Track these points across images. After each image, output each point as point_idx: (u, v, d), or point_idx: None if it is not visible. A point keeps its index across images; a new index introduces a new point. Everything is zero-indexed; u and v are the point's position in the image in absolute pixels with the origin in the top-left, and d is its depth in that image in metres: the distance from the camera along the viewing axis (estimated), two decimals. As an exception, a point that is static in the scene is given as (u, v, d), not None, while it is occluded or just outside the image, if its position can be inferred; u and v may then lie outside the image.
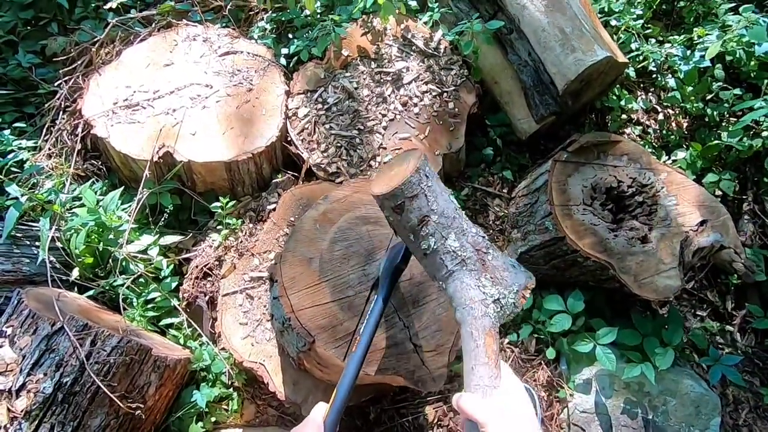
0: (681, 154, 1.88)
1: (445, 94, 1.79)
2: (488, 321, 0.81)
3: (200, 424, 1.48)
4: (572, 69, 1.53)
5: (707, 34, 1.84)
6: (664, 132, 1.98)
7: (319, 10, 2.03)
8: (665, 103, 2.00)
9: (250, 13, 2.16)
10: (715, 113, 1.91)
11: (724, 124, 1.93)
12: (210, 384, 1.54)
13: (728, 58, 1.80)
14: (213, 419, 1.51)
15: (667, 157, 1.91)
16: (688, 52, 1.82)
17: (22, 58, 1.99)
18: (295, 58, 1.96)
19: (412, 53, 1.87)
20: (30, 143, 1.82)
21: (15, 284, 1.49)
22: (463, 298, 0.83)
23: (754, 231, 1.79)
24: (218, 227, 1.70)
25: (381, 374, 0.96)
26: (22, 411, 1.16)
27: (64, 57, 1.98)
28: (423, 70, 1.83)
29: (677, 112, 2.02)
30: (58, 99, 1.89)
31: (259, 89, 1.83)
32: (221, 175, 1.70)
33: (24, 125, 1.92)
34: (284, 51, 2.01)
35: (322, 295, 0.99)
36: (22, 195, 1.57)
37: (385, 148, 1.72)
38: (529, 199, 1.69)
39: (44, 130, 1.87)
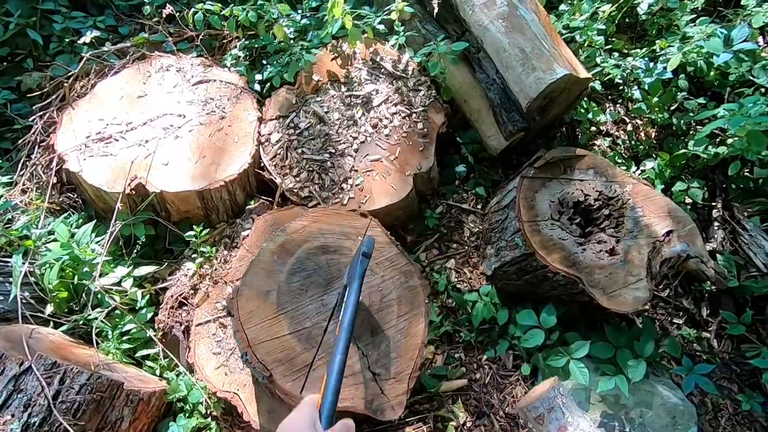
0: (650, 164, 1.91)
1: (414, 114, 1.82)
2: None
3: (178, 456, 1.47)
4: (533, 88, 1.56)
5: (669, 46, 1.88)
6: (633, 142, 2.02)
7: (291, 36, 2.07)
8: (633, 114, 2.04)
9: (223, 41, 2.19)
10: (681, 122, 1.95)
11: (690, 132, 1.96)
12: (187, 414, 1.53)
13: (690, 68, 1.84)
14: (191, 450, 1.50)
15: (636, 168, 1.94)
16: (651, 64, 1.86)
17: (-2, 94, 2.01)
18: (268, 83, 1.99)
19: (381, 76, 1.90)
20: (5, 179, 1.84)
21: (-12, 322, 1.49)
22: None
23: (724, 237, 1.82)
24: (193, 255, 1.71)
25: (339, 405, 0.97)
26: (-11, 454, 1.15)
27: (39, 92, 2.01)
28: (392, 92, 1.86)
29: (645, 122, 2.06)
30: (33, 134, 1.91)
31: (231, 117, 1.86)
32: (194, 203, 1.72)
33: (0, 161, 1.93)
34: (258, 77, 2.04)
35: (279, 327, 1.00)
36: (-5, 232, 1.58)
37: (356, 170, 1.74)
38: (500, 215, 1.71)
39: (20, 165, 1.88)
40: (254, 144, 1.79)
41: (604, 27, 1.97)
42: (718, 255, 1.80)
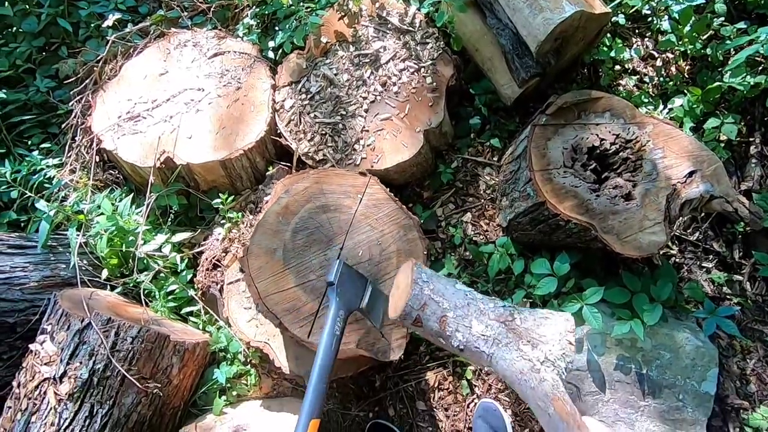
0: (678, 102, 1.78)
1: (422, 69, 1.80)
2: (547, 385, 0.78)
3: (224, 397, 1.67)
4: (541, 29, 1.49)
5: (703, -33, 1.70)
6: (662, 79, 1.88)
7: (300, -2, 2.07)
8: (661, 49, 1.89)
9: (236, 11, 2.23)
10: (717, 53, 1.79)
11: (728, 63, 1.80)
12: (229, 362, 1.72)
13: (727, -10, 1.67)
14: (234, 393, 1.69)
15: (663, 107, 1.82)
16: (682, -11, 1.70)
17: (40, 83, 2.19)
18: (281, 50, 2.02)
19: (388, 31, 1.87)
20: (55, 161, 2.03)
21: (55, 287, 1.71)
22: (513, 375, 0.82)
23: (762, 174, 1.70)
24: (222, 221, 1.85)
25: (344, 345, 1.06)
26: (66, 394, 1.37)
27: (75, 77, 2.16)
28: (399, 48, 1.84)
29: (676, 56, 1.90)
30: (74, 118, 2.08)
31: (247, 87, 1.92)
32: (219, 172, 1.83)
33: (49, 145, 2.13)
34: (270, 44, 2.08)
35: (286, 281, 1.09)
36: (50, 209, 1.78)
37: (367, 131, 1.77)
38: (513, 166, 1.69)
39: (66, 148, 2.07)
40: (269, 111, 1.85)
41: (629, -47, 1.80)
42: (753, 194, 1.69)
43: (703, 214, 1.79)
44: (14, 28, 2.24)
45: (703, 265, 1.77)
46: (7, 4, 2.15)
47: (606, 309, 1.58)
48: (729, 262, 1.74)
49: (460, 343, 0.88)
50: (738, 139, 1.75)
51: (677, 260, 1.78)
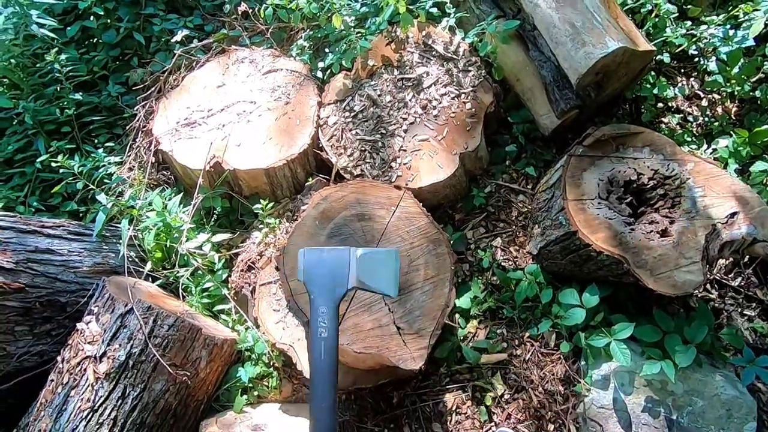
0: (723, 142, 1.75)
1: (462, 95, 1.86)
2: None
3: (245, 396, 1.71)
4: (583, 63, 1.52)
5: (755, 10, 1.70)
6: (707, 119, 1.86)
7: (352, 24, 2.20)
8: (708, 89, 1.87)
9: (291, 33, 2.39)
10: (767, 95, 1.76)
11: (779, 106, 1.76)
12: (253, 363, 1.77)
13: (779, 34, 1.65)
14: (256, 393, 1.74)
15: (707, 146, 1.79)
16: (731, 31, 1.70)
17: (112, 88, 2.41)
18: (329, 70, 2.15)
19: (432, 58, 1.96)
20: (117, 159, 2.21)
21: (104, 274, 1.84)
22: None
23: (813, 223, 1.62)
24: (260, 226, 1.94)
25: (365, 351, 1.09)
26: (103, 373, 1.46)
27: (142, 85, 2.37)
28: (442, 74, 1.91)
29: (723, 96, 1.88)
30: (137, 121, 2.27)
31: (295, 102, 2.04)
32: (262, 180, 1.94)
33: (113, 144, 2.33)
34: (320, 65, 2.21)
35: (317, 282, 1.14)
36: (108, 202, 1.93)
37: (405, 150, 1.84)
38: (547, 195, 1.70)
39: (127, 148, 2.25)
40: (314, 126, 1.95)
41: (678, -6, 1.82)
42: (802, 242, 1.61)
43: (746, 259, 1.72)
44: (95, 39, 2.49)
45: (744, 312, 1.69)
46: (92, 18, 2.40)
47: (636, 348, 1.54)
48: (773, 312, 1.66)
49: None
50: (787, 184, 1.69)
51: (716, 305, 1.71)
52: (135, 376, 1.48)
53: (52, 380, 1.52)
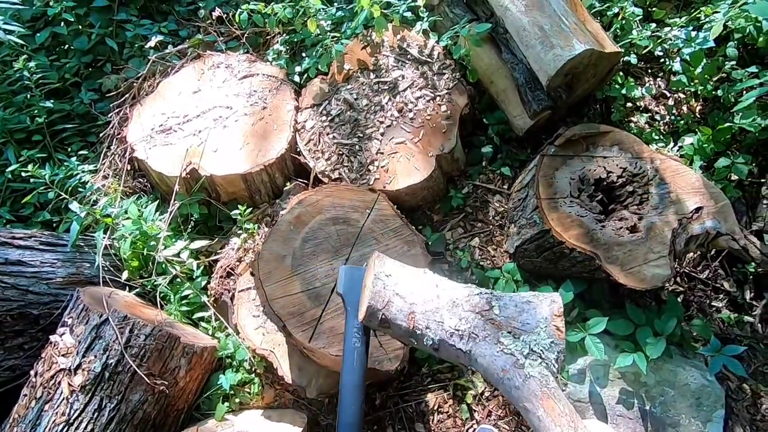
0: (689, 140, 1.81)
1: (437, 98, 1.89)
2: (534, 383, 0.67)
3: (227, 404, 1.70)
4: (552, 65, 1.56)
5: (714, 12, 1.77)
6: (674, 118, 1.92)
7: (328, 28, 2.21)
8: (673, 88, 1.93)
9: (267, 37, 2.38)
10: (729, 94, 1.82)
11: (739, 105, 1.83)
12: (234, 370, 1.76)
13: (738, 35, 1.72)
14: (237, 400, 1.73)
15: (674, 144, 1.85)
16: (693, 33, 1.76)
17: (84, 95, 2.37)
18: (306, 74, 2.15)
19: (407, 61, 1.98)
20: (90, 167, 2.17)
21: (78, 284, 1.80)
22: (495, 373, 0.71)
23: (774, 216, 1.69)
24: (239, 232, 1.93)
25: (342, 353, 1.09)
26: (78, 386, 1.44)
27: (116, 92, 2.33)
28: (417, 77, 1.93)
29: (688, 96, 1.95)
30: (111, 128, 2.23)
31: (272, 107, 2.04)
32: (239, 185, 1.93)
33: (87, 152, 2.28)
34: (297, 69, 2.21)
35: (292, 286, 1.15)
36: (82, 211, 1.89)
37: (382, 153, 1.85)
38: (522, 194, 1.74)
39: (101, 156, 2.22)
40: (291, 131, 1.96)
41: (642, -3, 1.88)
42: (765, 234, 1.68)
43: (713, 252, 1.78)
44: (66, 46, 2.44)
45: (712, 304, 1.75)
46: (62, 24, 2.36)
47: (610, 341, 1.58)
48: (740, 303, 1.72)
49: (433, 342, 0.76)
50: (749, 179, 1.76)
51: (686, 297, 1.77)
52: (111, 388, 1.46)
53: (25, 395, 1.49)
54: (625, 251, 1.47)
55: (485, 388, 1.70)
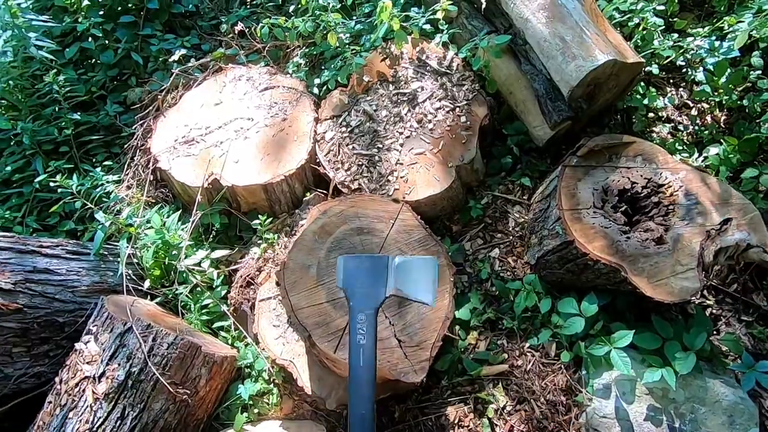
0: (714, 150, 1.78)
1: (457, 109, 1.89)
2: None
3: (245, 414, 1.70)
4: (574, 75, 1.56)
5: (739, 22, 1.75)
6: (697, 128, 1.89)
7: (347, 41, 2.24)
8: (696, 98, 1.91)
9: (287, 50, 2.43)
10: (755, 104, 1.79)
11: (766, 115, 1.80)
12: (253, 380, 1.76)
13: (763, 44, 1.70)
14: (256, 411, 1.72)
15: (698, 155, 1.82)
16: (717, 42, 1.74)
17: (110, 108, 2.43)
18: (325, 86, 2.18)
19: (426, 73, 1.99)
20: (115, 177, 2.22)
21: (102, 293, 1.83)
22: None
23: (805, 228, 1.64)
24: (259, 242, 1.94)
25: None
26: (102, 393, 1.45)
27: (140, 104, 2.39)
28: (437, 88, 1.94)
29: (712, 106, 1.92)
30: (135, 139, 2.29)
31: (292, 118, 2.07)
32: (260, 195, 1.95)
33: (111, 163, 2.34)
34: (316, 81, 2.24)
35: (318, 296, 1.15)
36: (106, 220, 1.93)
37: (402, 164, 1.86)
38: (543, 205, 1.72)
39: (125, 166, 2.27)
40: (311, 142, 1.98)
41: (663, 7, 1.87)
42: (796, 247, 1.63)
43: (741, 265, 1.74)
44: (93, 60, 2.52)
45: (742, 318, 1.70)
46: (90, 39, 2.44)
47: (636, 356, 1.54)
48: (771, 317, 1.67)
49: None
50: (778, 190, 1.72)
51: (714, 311, 1.72)
52: (134, 396, 1.47)
53: (50, 402, 1.50)
54: (652, 263, 1.44)
55: (507, 401, 1.67)
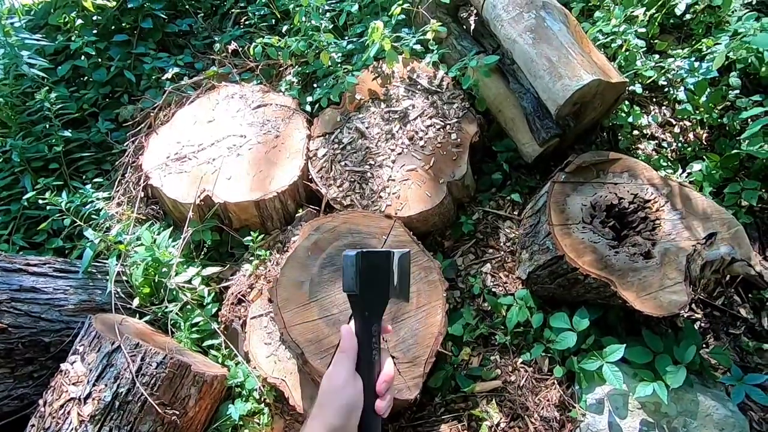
0: (697, 167, 1.83)
1: (447, 126, 1.93)
2: None
3: (235, 435, 1.66)
4: (560, 94, 1.60)
5: (716, 44, 1.82)
6: (680, 145, 1.95)
7: (339, 60, 2.28)
8: (679, 117, 1.97)
9: (280, 69, 2.46)
10: (734, 122, 1.86)
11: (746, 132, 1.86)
12: (244, 399, 1.73)
13: (740, 65, 1.77)
14: (246, 431, 1.69)
15: (682, 171, 1.87)
16: (696, 63, 1.81)
17: (101, 125, 2.43)
18: (317, 104, 2.21)
19: (417, 91, 2.03)
20: (105, 194, 2.21)
21: (90, 311, 1.80)
22: None
23: (787, 242, 1.69)
24: (251, 258, 1.93)
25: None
26: (88, 415, 1.41)
27: (132, 122, 2.39)
28: (427, 106, 1.98)
29: (693, 124, 1.98)
30: (127, 156, 2.28)
31: (284, 135, 2.09)
32: (252, 212, 1.95)
33: (101, 180, 2.32)
34: (309, 99, 2.27)
35: (310, 312, 1.14)
36: (96, 237, 1.91)
37: (393, 180, 1.88)
38: (533, 220, 1.75)
39: (116, 183, 2.25)
40: (303, 159, 1.99)
41: (644, 30, 1.95)
42: (779, 261, 1.68)
43: (728, 278, 1.77)
44: (85, 78, 2.53)
45: (730, 331, 1.72)
46: (83, 57, 2.45)
47: (628, 369, 1.55)
48: (758, 330, 1.70)
49: None
50: (759, 205, 1.76)
51: (702, 324, 1.74)
52: (121, 418, 1.43)
53: (33, 425, 1.46)
54: (640, 278, 1.46)
55: (501, 418, 1.66)
